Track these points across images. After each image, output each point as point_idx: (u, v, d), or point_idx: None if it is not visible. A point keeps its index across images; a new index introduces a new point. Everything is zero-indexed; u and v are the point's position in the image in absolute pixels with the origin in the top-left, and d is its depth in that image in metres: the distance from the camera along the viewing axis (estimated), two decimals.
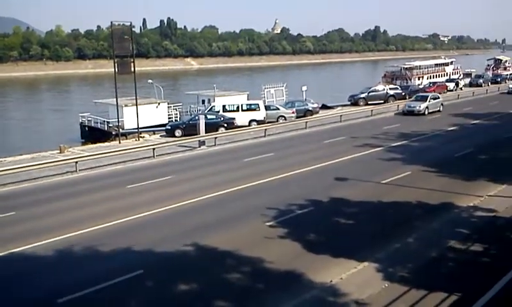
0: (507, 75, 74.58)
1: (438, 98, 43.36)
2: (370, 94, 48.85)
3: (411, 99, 44.69)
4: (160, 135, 35.02)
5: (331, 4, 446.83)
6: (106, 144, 32.91)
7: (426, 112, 40.01)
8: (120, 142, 32.16)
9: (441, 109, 42.24)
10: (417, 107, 40.45)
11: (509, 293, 10.24)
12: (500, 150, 26.24)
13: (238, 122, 34.99)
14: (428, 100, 41.21)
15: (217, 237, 14.44)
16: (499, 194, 18.09)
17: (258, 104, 38.02)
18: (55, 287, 11.76)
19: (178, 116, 42.27)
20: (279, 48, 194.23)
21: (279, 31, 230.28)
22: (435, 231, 14.47)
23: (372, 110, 42.15)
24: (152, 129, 37.11)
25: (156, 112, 39.41)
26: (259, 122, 36.07)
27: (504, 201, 16.89)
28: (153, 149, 27.78)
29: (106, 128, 38.40)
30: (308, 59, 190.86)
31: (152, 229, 15.67)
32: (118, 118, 33.83)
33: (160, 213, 17.08)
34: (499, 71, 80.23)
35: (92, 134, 39.12)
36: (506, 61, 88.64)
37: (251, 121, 36.21)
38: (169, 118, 40.64)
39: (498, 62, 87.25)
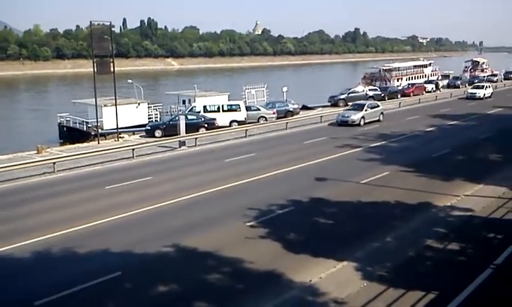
0: (484, 76, 75.87)
1: (377, 106, 39.02)
2: (350, 95, 49.25)
3: (346, 108, 40.82)
4: (140, 136, 34.76)
5: (312, 6, 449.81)
6: (85, 144, 32.52)
7: (362, 123, 35.82)
8: (98, 143, 31.82)
9: (381, 118, 37.88)
10: (351, 117, 36.16)
11: (485, 292, 10.43)
12: (477, 151, 26.67)
13: (219, 122, 34.93)
14: (364, 109, 37.03)
15: (197, 238, 14.41)
16: (475, 193, 18.41)
17: (239, 105, 38.02)
18: (32, 289, 11.61)
19: (159, 116, 42.02)
20: (260, 49, 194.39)
21: (260, 32, 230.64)
22: (413, 230, 14.67)
23: None
24: (132, 129, 36.82)
25: (136, 113, 39.10)
26: (240, 123, 36.08)
27: (480, 201, 17.20)
28: (133, 149, 27.56)
29: (85, 129, 37.96)
30: (289, 60, 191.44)
31: (131, 230, 15.55)
32: (97, 118, 33.49)
33: (140, 214, 16.95)
34: (476, 73, 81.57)
35: (71, 135, 38.64)
36: (483, 62, 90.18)
37: (232, 121, 36.19)
38: (149, 118, 40.37)
39: (475, 64, 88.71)
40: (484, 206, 16.48)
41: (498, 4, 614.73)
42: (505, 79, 76.02)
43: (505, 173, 21.18)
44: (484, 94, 53.98)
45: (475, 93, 54.09)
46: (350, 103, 46.68)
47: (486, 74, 79.20)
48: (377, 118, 37.57)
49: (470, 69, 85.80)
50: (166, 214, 17.06)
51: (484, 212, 15.97)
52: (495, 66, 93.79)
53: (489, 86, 57.16)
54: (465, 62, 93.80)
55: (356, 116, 36.23)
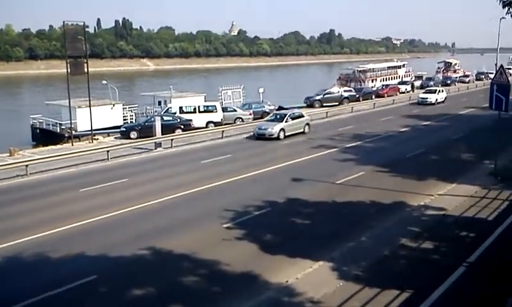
0: (457, 77, 77.31)
1: (302, 117, 34.32)
2: (326, 96, 49.58)
3: (264, 119, 36.10)
4: (115, 137, 34.36)
5: (287, 7, 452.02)
6: (58, 146, 32.00)
7: (282, 136, 31.42)
8: (72, 145, 31.35)
9: (306, 130, 33.69)
10: (269, 130, 31.51)
11: (459, 289, 10.62)
12: (450, 150, 27.16)
13: (195, 124, 34.80)
14: (285, 120, 32.36)
15: (173, 240, 14.31)
16: (448, 192, 18.74)
17: (215, 106, 37.96)
18: (2, 295, 11.36)
19: (134, 117, 41.66)
20: (236, 50, 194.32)
21: (236, 33, 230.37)
22: (388, 229, 14.85)
23: (327, 112, 42.75)
24: (107, 131, 36.39)
25: (111, 114, 38.68)
26: (216, 124, 36.01)
27: (453, 200, 17.51)
28: (108, 151, 27.22)
29: (58, 131, 37.38)
30: (265, 61, 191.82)
31: (106, 233, 15.37)
32: (70, 120, 32.99)
33: (115, 217, 16.76)
34: (449, 73, 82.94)
35: (44, 137, 37.99)
36: (456, 63, 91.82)
37: (208, 122, 36.10)
38: (124, 120, 39.99)
39: (448, 65, 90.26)
40: (456, 205, 16.77)
41: (470, 6, 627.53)
42: (477, 80, 77.57)
43: (477, 172, 21.62)
44: (437, 100, 50.56)
45: (427, 98, 50.46)
46: (325, 104, 47.32)
47: (458, 75, 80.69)
48: (302, 130, 33.20)
49: (443, 70, 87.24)
50: (142, 217, 16.91)
51: (457, 210, 16.26)
52: (467, 67, 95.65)
53: (443, 90, 53.94)
54: (438, 63, 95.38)
55: (274, 129, 31.56)
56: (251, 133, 32.87)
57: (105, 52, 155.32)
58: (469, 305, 10.02)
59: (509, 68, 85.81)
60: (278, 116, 33.70)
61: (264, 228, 15.36)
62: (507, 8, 16.82)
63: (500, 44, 73.48)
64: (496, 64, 57.64)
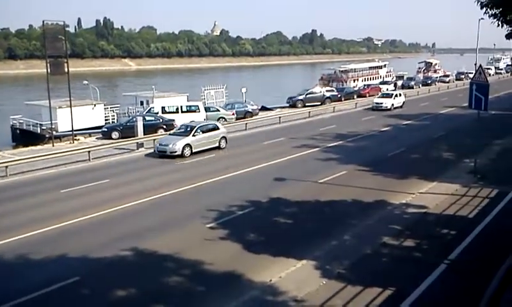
0: (437, 77, 78.28)
1: (217, 129, 29.01)
2: (308, 96, 49.83)
3: (171, 131, 30.85)
4: (97, 138, 34.04)
5: (269, 7, 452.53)
6: (39, 147, 31.61)
7: (187, 153, 26.46)
8: (53, 145, 30.98)
9: (222, 145, 28.63)
10: (170, 146, 26.46)
11: (440, 286, 10.75)
12: (430, 149, 27.48)
13: (178, 124, 34.59)
14: (192, 134, 27.26)
15: (156, 241, 14.24)
16: (429, 191, 18.95)
17: (198, 106, 37.85)
18: None
19: (116, 117, 41.31)
20: (219, 50, 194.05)
21: (218, 33, 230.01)
22: (370, 228, 14.96)
23: (309, 112, 42.96)
24: (88, 131, 36.02)
25: (92, 114, 38.28)
26: None
27: (434, 198, 17.72)
28: (89, 152, 26.96)
29: (39, 131, 36.85)
30: (248, 62, 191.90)
31: (88, 234, 15.22)
32: (51, 120, 32.59)
33: (97, 218, 16.61)
34: (429, 73, 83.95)
35: (24, 137, 37.45)
36: (436, 63, 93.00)
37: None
38: (106, 120, 39.63)
39: (428, 65, 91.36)
40: (437, 203, 16.97)
41: (449, 7, 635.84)
42: (457, 80, 78.63)
43: (458, 171, 21.90)
44: (393, 105, 45.98)
45: (381, 104, 45.92)
46: (308, 104, 47.50)
47: (438, 75, 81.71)
48: (216, 145, 28.47)
49: (424, 70, 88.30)
50: (124, 217, 16.79)
51: (438, 208, 16.45)
52: (448, 67, 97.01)
53: (400, 94, 49.37)
54: (418, 63, 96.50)
55: (177, 145, 26.49)
56: (157, 149, 27.59)
57: (86, 52, 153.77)
58: (450, 301, 10.15)
59: (488, 68, 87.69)
60: (183, 129, 28.34)
61: (247, 227, 15.36)
62: (484, 9, 17.13)
63: (480, 44, 74.76)
64: (475, 64, 58.53)
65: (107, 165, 25.89)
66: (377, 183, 20.35)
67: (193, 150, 26.85)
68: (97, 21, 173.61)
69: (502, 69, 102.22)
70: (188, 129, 27.98)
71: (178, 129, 29.43)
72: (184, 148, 26.52)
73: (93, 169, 24.88)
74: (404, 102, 48.17)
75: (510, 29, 17.15)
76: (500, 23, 17.11)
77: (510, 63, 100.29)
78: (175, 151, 26.34)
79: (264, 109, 46.83)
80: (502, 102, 48.45)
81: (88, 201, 18.50)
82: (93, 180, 21.79)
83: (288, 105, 49.76)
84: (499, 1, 16.70)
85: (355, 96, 54.42)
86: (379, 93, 51.76)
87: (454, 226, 14.65)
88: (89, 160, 26.41)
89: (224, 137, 29.21)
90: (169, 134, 29.35)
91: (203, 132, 28.03)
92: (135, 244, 13.90)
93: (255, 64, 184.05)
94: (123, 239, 14.44)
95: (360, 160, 24.55)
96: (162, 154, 26.76)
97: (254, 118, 40.45)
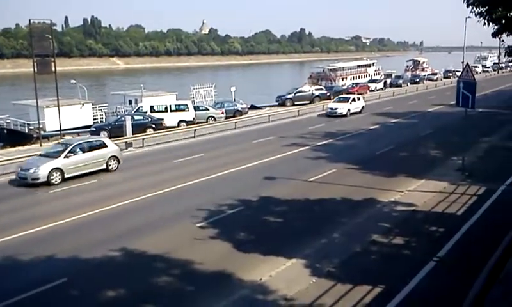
0: (425, 75, 78.85)
1: (103, 147, 23.40)
2: (297, 95, 49.94)
3: (47, 149, 24.52)
4: None
5: (258, 6, 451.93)
6: (26, 147, 31.35)
7: (56, 180, 21.00)
8: (41, 145, 30.71)
9: (112, 166, 23.35)
10: (31, 171, 20.88)
11: (429, 283, 10.83)
12: (418, 147, 27.66)
13: (167, 123, 34.54)
14: (65, 155, 21.70)
15: (146, 241, 14.18)
16: (418, 188, 19.08)
17: (187, 105, 37.75)
18: None
19: (104, 117, 41.07)
20: (207, 49, 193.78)
21: (207, 32, 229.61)
22: (359, 225, 15.03)
23: (298, 111, 43.04)
24: (76, 131, 35.77)
25: (80, 114, 38.01)
26: (188, 123, 35.80)
27: (422, 196, 17.83)
28: None
29: (26, 131, 36.50)
30: (237, 60, 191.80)
31: (77, 235, 15.11)
32: (38, 120, 32.31)
33: (86, 219, 16.50)
34: (417, 72, 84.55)
35: (11, 137, 37.00)
36: (424, 62, 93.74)
37: (180, 121, 35.86)
38: (94, 119, 39.38)
39: (416, 64, 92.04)
40: (426, 201, 17.09)
41: (437, 5, 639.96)
42: (444, 78, 79.27)
43: (446, 168, 22.06)
44: (349, 110, 40.67)
45: (336, 109, 40.72)
46: (297, 103, 47.54)
47: (426, 73, 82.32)
48: (103, 167, 23.01)
49: (412, 68, 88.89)
50: (113, 218, 16.69)
51: (426, 206, 16.56)
52: (435, 65, 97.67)
53: (359, 98, 43.70)
54: (406, 61, 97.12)
55: (40, 170, 20.86)
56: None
57: (74, 51, 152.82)
58: (439, 298, 10.23)
59: (476, 66, 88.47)
60: (52, 152, 22.70)
61: (237, 226, 15.34)
62: (471, 7, 17.28)
63: (467, 43, 75.47)
64: (463, 62, 59.06)
65: None
66: (366, 181, 20.43)
67: (66, 175, 21.39)
68: (85, 20, 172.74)
69: (489, 67, 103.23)
70: (51, 152, 22.68)
71: (54, 147, 24.06)
72: (50, 174, 20.91)
73: None
74: (363, 107, 42.85)
75: (496, 27, 17.29)
76: (486, 21, 17.27)
77: (497, 61, 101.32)
78: (37, 179, 20.77)
79: (253, 107, 46.85)
80: (489, 99, 48.89)
81: (76, 201, 18.44)
82: (82, 180, 21.63)
83: (277, 103, 49.82)
84: (485, 0, 16.86)
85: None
86: (332, 101, 44.14)
87: (442, 223, 14.76)
88: None
89: (115, 157, 23.61)
90: (40, 154, 23.17)
91: (84, 151, 22.55)
92: (124, 244, 13.82)
93: (244, 63, 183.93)
94: (113, 239, 14.36)
95: (349, 158, 24.64)
96: (22, 182, 21.18)
97: (243, 116, 40.46)
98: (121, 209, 17.49)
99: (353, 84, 63.44)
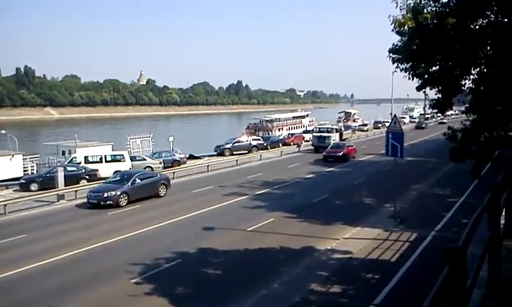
0: (356, 126, 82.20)
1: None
2: (235, 144, 50.59)
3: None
4: (14, 190, 32.21)
5: (196, 58, 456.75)
6: None
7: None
8: None
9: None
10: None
11: None
12: (352, 195, 28.44)
13: (102, 174, 33.63)
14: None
15: (77, 299, 13.52)
16: (353, 236, 19.52)
17: (123, 155, 37.10)
18: None
19: (35, 168, 39.47)
20: (145, 99, 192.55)
21: (144, 82, 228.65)
22: (298, 275, 15.11)
23: (237, 160, 43.36)
24: (5, 183, 34.04)
25: (9, 165, 36.32)
26: None
27: (357, 243, 18.26)
28: (5, 205, 25.43)
29: None
30: (175, 110, 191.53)
31: (4, 295, 14.14)
32: None
33: (13, 277, 15.50)
34: (349, 123, 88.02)
35: None
36: (355, 113, 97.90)
37: (115, 172, 35.04)
38: (24, 171, 37.72)
39: (348, 115, 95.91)
40: (361, 248, 17.49)
41: (367, 60, 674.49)
42: (374, 128, 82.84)
43: (379, 215, 22.82)
44: None
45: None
46: (235, 152, 48.03)
47: (357, 124, 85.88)
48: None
49: (344, 119, 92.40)
50: (43, 275, 15.80)
51: (362, 253, 16.95)
52: (365, 115, 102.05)
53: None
54: (338, 113, 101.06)
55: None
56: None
57: (6, 101, 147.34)
58: None
59: (403, 117, 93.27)
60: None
61: (174, 280, 14.97)
62: (396, 64, 18.42)
63: (394, 95, 79.64)
64: (391, 114, 62.00)
65: (24, 219, 24.44)
66: (304, 229, 20.66)
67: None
68: (17, 69, 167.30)
69: (415, 117, 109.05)
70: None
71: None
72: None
73: (9, 223, 23.41)
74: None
75: (420, 81, 18.45)
76: (410, 76, 18.37)
77: (423, 112, 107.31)
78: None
79: (192, 157, 46.72)
80: (417, 148, 51.36)
81: (2, 259, 17.26)
82: (9, 235, 20.43)
83: (216, 153, 50.04)
84: (408, 57, 18.01)
85: (280, 145, 55.81)
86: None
87: (377, 270, 15.13)
88: (5, 214, 24.90)
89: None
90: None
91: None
92: (55, 303, 13.12)
93: (182, 113, 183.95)
94: (43, 298, 13.63)
95: (286, 207, 24.90)
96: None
97: (182, 166, 40.20)
98: (49, 267, 16.63)
99: (289, 134, 65.07)
